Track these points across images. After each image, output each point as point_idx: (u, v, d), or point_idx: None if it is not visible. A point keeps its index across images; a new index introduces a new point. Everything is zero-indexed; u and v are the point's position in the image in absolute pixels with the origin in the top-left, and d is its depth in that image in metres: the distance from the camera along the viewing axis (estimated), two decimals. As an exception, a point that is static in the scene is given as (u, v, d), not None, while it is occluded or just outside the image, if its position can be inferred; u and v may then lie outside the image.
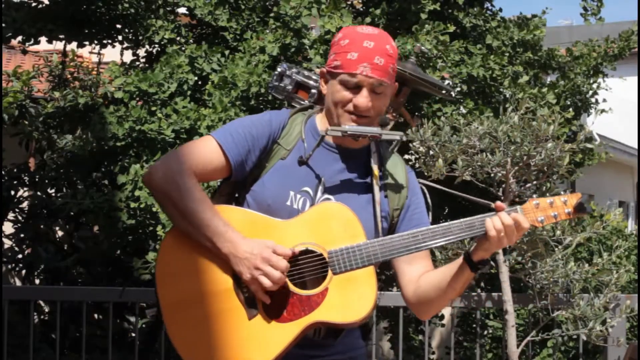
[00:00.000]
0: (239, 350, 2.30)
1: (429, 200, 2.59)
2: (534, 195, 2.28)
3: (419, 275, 2.47)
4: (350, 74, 2.40)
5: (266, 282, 2.28)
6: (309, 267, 2.35)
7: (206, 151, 2.42)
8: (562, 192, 2.50)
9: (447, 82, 6.40)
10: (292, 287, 2.33)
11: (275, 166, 2.44)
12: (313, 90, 2.65)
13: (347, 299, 2.33)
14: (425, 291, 2.44)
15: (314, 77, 2.69)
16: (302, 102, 2.68)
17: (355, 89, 2.41)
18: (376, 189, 2.45)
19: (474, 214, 2.39)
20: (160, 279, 2.38)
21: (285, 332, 2.30)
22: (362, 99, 2.41)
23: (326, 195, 2.43)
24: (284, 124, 2.49)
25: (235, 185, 2.49)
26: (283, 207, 2.40)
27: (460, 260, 2.38)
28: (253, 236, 2.33)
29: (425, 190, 2.61)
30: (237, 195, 2.49)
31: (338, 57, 2.43)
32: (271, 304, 2.32)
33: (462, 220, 2.37)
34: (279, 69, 2.74)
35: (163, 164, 2.39)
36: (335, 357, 2.45)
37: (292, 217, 2.38)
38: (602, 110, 7.02)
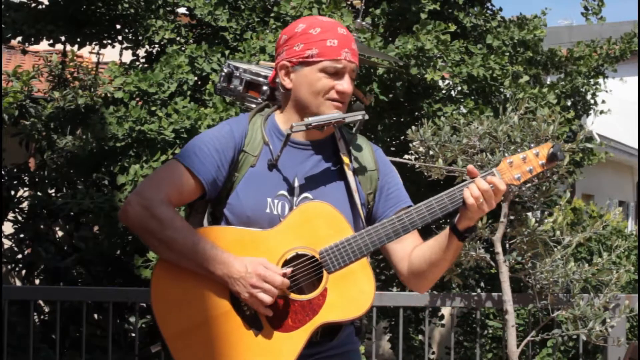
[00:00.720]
0: None
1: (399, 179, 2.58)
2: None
3: (410, 251, 2.46)
4: (335, 60, 2.38)
5: (265, 299, 2.27)
6: (303, 272, 2.34)
7: (175, 177, 2.36)
8: (531, 146, 2.47)
9: (447, 82, 6.40)
10: (291, 295, 2.32)
11: (246, 175, 2.40)
12: (264, 88, 2.60)
13: (348, 296, 2.32)
14: (418, 266, 2.43)
15: (262, 72, 2.64)
16: (255, 101, 2.63)
17: (335, 75, 2.40)
18: (350, 177, 2.43)
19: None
20: (159, 313, 2.34)
21: (294, 341, 2.30)
22: (347, 84, 2.40)
23: (304, 195, 2.41)
24: (246, 131, 2.45)
25: (208, 200, 2.45)
26: (263, 215, 2.37)
27: (447, 231, 2.37)
28: (241, 252, 2.31)
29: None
30: (212, 210, 2.45)
31: (312, 45, 2.39)
32: (274, 316, 2.31)
33: (442, 194, 2.35)
34: (225, 70, 2.68)
35: (137, 197, 2.33)
36: (331, 352, 2.44)
37: (274, 224, 2.36)
38: (601, 112, 7.02)
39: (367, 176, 2.49)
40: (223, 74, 2.68)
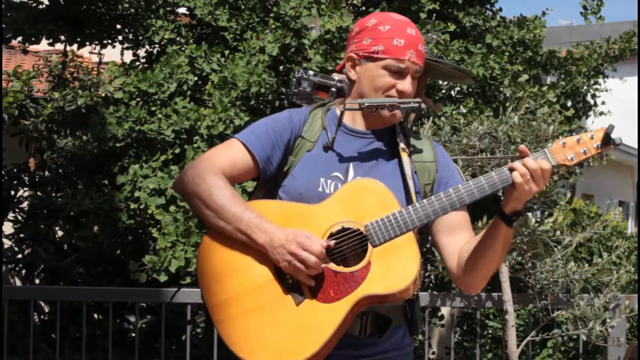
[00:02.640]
0: (292, 337, 2.30)
1: (462, 175, 2.59)
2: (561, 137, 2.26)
3: (461, 247, 2.45)
4: (399, 60, 2.41)
5: (302, 267, 2.28)
6: (348, 245, 2.35)
7: (231, 152, 2.44)
8: (588, 130, 2.44)
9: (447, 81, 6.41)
10: (335, 267, 2.33)
11: (302, 159, 2.45)
12: (332, 89, 2.65)
13: (391, 269, 2.32)
14: (467, 260, 2.42)
15: (331, 81, 2.69)
16: (323, 101, 2.68)
17: (398, 74, 2.43)
18: (406, 165, 2.44)
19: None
20: (204, 282, 2.40)
21: (335, 312, 2.30)
22: (408, 85, 2.43)
23: (358, 178, 2.43)
24: (305, 119, 2.51)
25: (267, 186, 2.51)
26: (315, 193, 2.40)
27: (494, 219, 2.37)
28: (287, 224, 2.34)
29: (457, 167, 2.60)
30: (270, 197, 2.50)
31: (379, 42, 2.43)
32: (317, 286, 2.32)
33: (491, 172, 2.36)
34: (296, 75, 2.74)
35: (191, 168, 2.41)
36: (379, 356, 2.44)
37: None
38: (601, 113, 7.02)
39: (425, 167, 2.51)
40: (294, 79, 2.74)
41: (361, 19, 2.54)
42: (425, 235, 2.52)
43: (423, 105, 2.48)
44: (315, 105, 2.56)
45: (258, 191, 2.53)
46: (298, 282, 2.33)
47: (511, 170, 2.32)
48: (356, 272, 2.32)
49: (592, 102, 6.86)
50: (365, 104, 2.41)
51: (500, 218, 2.36)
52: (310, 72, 2.71)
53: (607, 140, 2.35)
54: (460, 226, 2.48)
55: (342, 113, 2.46)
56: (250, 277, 2.35)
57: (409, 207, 2.34)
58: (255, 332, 2.32)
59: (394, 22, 2.47)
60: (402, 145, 2.48)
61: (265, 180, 2.49)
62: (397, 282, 2.30)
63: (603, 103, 7.03)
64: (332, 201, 2.37)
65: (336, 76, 2.80)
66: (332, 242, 2.32)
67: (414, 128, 2.56)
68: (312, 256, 2.28)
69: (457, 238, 2.46)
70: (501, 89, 6.19)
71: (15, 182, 6.87)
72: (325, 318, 2.30)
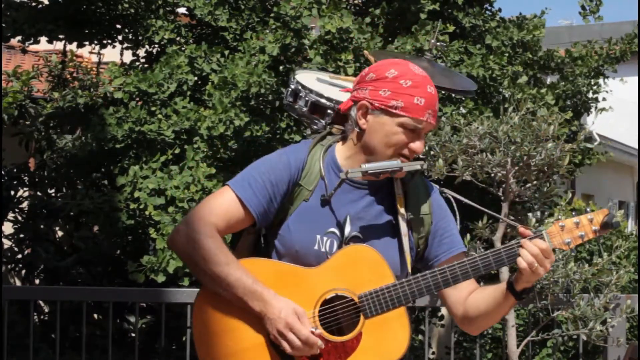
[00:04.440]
0: None
1: (456, 210, 2.57)
2: (560, 217, 2.26)
3: (465, 296, 2.47)
4: (417, 120, 2.36)
5: (287, 348, 2.30)
6: (341, 313, 2.36)
7: (226, 206, 2.38)
8: (587, 210, 2.44)
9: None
10: (326, 335, 2.34)
11: (299, 209, 2.41)
12: (329, 111, 2.59)
13: (382, 342, 2.34)
14: (472, 314, 2.46)
15: (326, 94, 2.63)
16: (318, 122, 2.63)
17: (412, 132, 2.37)
18: (402, 223, 2.42)
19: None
20: (198, 339, 2.41)
21: None
22: (420, 144, 2.39)
23: (354, 234, 2.41)
24: (304, 163, 2.43)
25: (260, 231, 2.48)
26: (311, 251, 2.38)
27: (503, 287, 2.39)
28: (282, 288, 2.33)
29: (452, 200, 2.58)
30: (265, 233, 2.47)
31: (399, 97, 2.35)
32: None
33: (488, 252, 2.37)
34: (292, 86, 2.67)
35: (185, 226, 2.38)
36: None
37: (321, 260, 2.38)
38: (602, 109, 7.01)
39: (420, 220, 2.48)
40: (290, 89, 2.69)
41: (377, 65, 2.44)
42: None
43: (425, 166, 2.44)
44: (314, 142, 2.48)
45: (249, 229, 2.48)
46: None
47: (511, 253, 2.35)
48: (347, 343, 2.33)
49: (593, 97, 6.85)
50: (369, 172, 2.36)
51: (509, 292, 2.38)
52: (307, 88, 2.65)
53: (606, 225, 2.35)
54: None
55: (341, 180, 2.39)
56: (244, 338, 2.35)
57: (404, 280, 2.35)
58: None
59: (415, 77, 2.38)
60: (398, 192, 2.44)
61: (259, 227, 2.45)
62: (387, 356, 2.35)
63: (604, 99, 7.02)
64: (327, 267, 2.36)
65: (334, 79, 2.74)
66: (318, 332, 2.32)
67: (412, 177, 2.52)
68: (297, 341, 2.28)
69: (460, 288, 2.47)
70: (500, 89, 6.19)
71: (15, 182, 6.87)
72: None
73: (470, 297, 2.47)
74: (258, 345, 2.35)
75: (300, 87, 2.67)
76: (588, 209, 2.40)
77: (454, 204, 2.56)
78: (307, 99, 2.65)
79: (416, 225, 2.47)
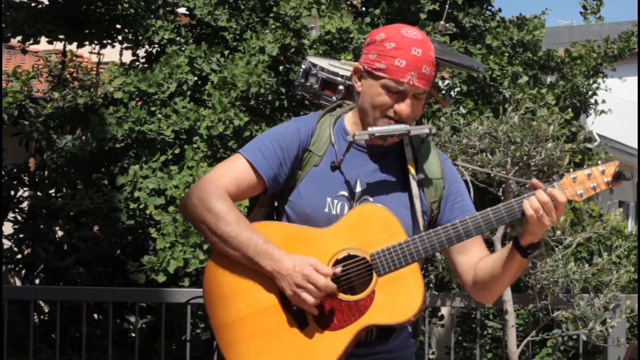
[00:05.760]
0: None
1: (469, 183, 2.56)
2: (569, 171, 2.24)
3: (475, 263, 2.45)
4: (397, 82, 2.35)
5: (307, 298, 2.29)
6: (354, 272, 2.35)
7: (237, 171, 2.40)
8: (599, 162, 2.42)
9: (447, 82, 6.41)
10: (339, 295, 2.33)
11: (309, 174, 2.43)
12: (340, 87, 2.62)
13: (395, 299, 2.32)
14: (482, 279, 2.43)
15: (340, 71, 2.64)
16: (330, 99, 2.65)
17: (397, 94, 2.37)
18: (413, 184, 2.42)
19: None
20: (209, 303, 2.40)
21: (337, 340, 2.31)
22: (405, 107, 2.37)
23: (364, 197, 2.42)
24: (313, 130, 2.46)
25: (272, 197, 2.49)
26: (321, 214, 2.39)
27: (510, 246, 2.36)
28: (293, 249, 2.33)
29: (464, 172, 2.57)
30: (276, 204, 2.49)
31: (382, 59, 2.37)
32: (320, 314, 2.33)
33: (500, 205, 2.34)
34: (303, 66, 2.69)
35: (196, 190, 2.38)
36: (384, 355, 2.45)
37: (331, 223, 2.38)
38: (602, 112, 7.02)
39: (432, 184, 2.48)
40: (301, 70, 2.70)
41: (374, 30, 2.47)
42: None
43: (434, 131, 2.44)
44: (323, 113, 2.51)
45: (262, 200, 2.51)
46: (302, 309, 2.33)
47: (521, 203, 2.30)
48: (360, 301, 2.32)
49: (592, 100, 6.86)
50: (376, 135, 2.37)
51: (516, 249, 2.35)
52: (318, 66, 2.67)
53: (619, 176, 2.33)
54: (472, 243, 2.46)
55: (350, 143, 2.40)
56: (256, 299, 2.35)
57: (416, 237, 2.33)
58: (259, 357, 2.33)
59: (400, 39, 2.37)
60: (409, 156, 2.45)
61: (271, 193, 2.47)
62: (401, 313, 2.32)
63: (603, 101, 7.03)
64: (339, 226, 2.36)
65: (345, 65, 2.75)
66: (339, 270, 2.32)
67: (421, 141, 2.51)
68: (316, 290, 2.28)
69: (470, 254, 2.46)
70: (501, 89, 6.19)
71: (15, 182, 6.87)
72: (327, 347, 2.31)
73: (479, 262, 2.45)
74: (270, 307, 2.34)
75: (311, 66, 2.70)
76: (599, 162, 2.38)
77: (467, 177, 2.56)
78: (318, 76, 2.68)
79: (428, 189, 2.47)
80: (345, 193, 2.41)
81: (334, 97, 2.65)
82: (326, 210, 2.40)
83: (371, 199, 2.42)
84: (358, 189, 2.42)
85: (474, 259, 2.46)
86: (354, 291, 2.34)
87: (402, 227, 2.35)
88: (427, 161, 2.50)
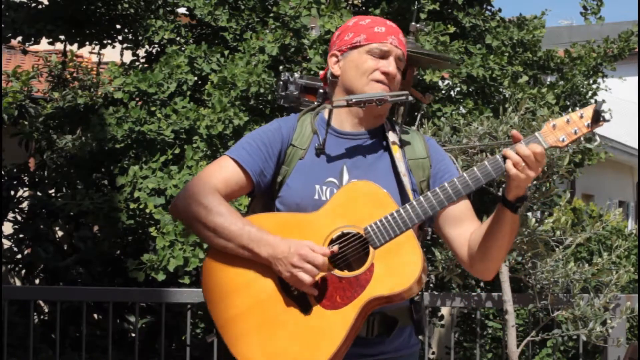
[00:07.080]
0: (306, 346, 2.31)
1: (458, 167, 2.58)
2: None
3: (469, 236, 2.46)
4: (381, 43, 2.46)
5: (305, 278, 2.29)
6: (350, 249, 2.36)
7: (224, 170, 2.45)
8: (577, 108, 2.43)
9: (447, 82, 6.41)
10: (338, 273, 2.34)
11: (296, 168, 2.47)
12: (321, 91, 2.66)
13: (394, 268, 2.32)
14: (477, 249, 2.42)
15: (318, 82, 2.70)
16: (311, 105, 2.68)
17: (381, 58, 2.47)
18: (399, 162, 2.45)
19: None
20: (210, 301, 2.41)
21: (343, 317, 2.31)
22: (392, 67, 2.47)
23: (352, 180, 2.44)
24: (294, 127, 2.51)
25: (264, 199, 2.52)
26: (311, 202, 2.42)
27: (499, 206, 2.36)
28: (287, 235, 2.35)
29: (453, 158, 2.59)
30: (268, 209, 2.51)
31: (361, 32, 2.49)
32: (323, 294, 2.33)
33: (485, 161, 2.35)
34: (282, 79, 2.75)
35: (185, 191, 2.44)
36: (387, 355, 2.45)
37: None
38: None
39: (418, 164, 2.51)
40: (280, 83, 2.75)
41: (339, 28, 2.62)
42: (425, 231, 2.53)
43: (411, 98, 2.48)
44: (303, 112, 2.57)
45: (255, 204, 2.54)
46: (303, 292, 2.33)
47: (504, 158, 2.31)
48: (360, 276, 2.32)
49: (592, 100, 6.85)
50: (353, 100, 2.42)
51: (504, 205, 2.34)
52: (296, 75, 2.74)
53: (597, 117, 2.32)
54: (465, 216, 2.48)
55: (330, 112, 2.47)
56: (255, 291, 2.36)
57: (406, 205, 2.35)
58: (269, 346, 2.33)
59: (372, 18, 2.54)
60: (392, 140, 2.48)
61: (261, 193, 2.50)
62: (401, 281, 2.31)
63: (604, 101, 7.02)
64: (329, 207, 2.38)
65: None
66: (335, 248, 2.33)
67: (403, 123, 2.55)
68: (314, 269, 2.29)
69: (464, 228, 2.47)
70: (501, 89, 6.19)
71: (15, 182, 6.87)
72: (335, 324, 2.31)
73: (472, 234, 2.45)
74: (272, 296, 2.35)
75: (289, 75, 2.75)
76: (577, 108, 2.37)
77: (456, 163, 2.58)
78: (297, 82, 2.73)
79: (415, 169, 2.50)
80: (334, 179, 2.45)
81: (315, 102, 2.68)
82: (316, 197, 2.42)
83: None
84: (345, 173, 2.45)
85: (467, 232, 2.46)
86: (353, 268, 2.35)
87: (391, 198, 2.37)
88: (411, 143, 2.54)
